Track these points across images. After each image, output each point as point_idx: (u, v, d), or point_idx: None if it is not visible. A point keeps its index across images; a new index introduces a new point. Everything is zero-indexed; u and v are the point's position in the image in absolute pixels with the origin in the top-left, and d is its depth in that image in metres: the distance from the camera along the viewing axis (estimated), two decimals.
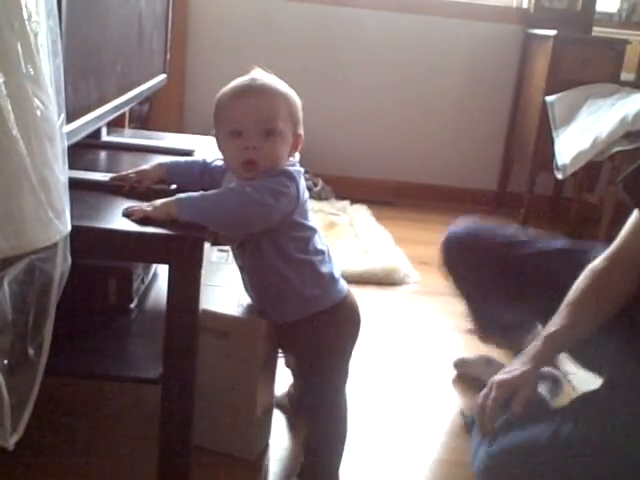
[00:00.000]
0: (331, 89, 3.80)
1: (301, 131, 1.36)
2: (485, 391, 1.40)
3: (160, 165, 1.47)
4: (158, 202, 1.27)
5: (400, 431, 1.74)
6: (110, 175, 1.45)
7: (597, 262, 1.50)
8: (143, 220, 1.24)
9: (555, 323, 1.46)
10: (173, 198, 1.27)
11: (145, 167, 1.46)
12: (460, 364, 2.06)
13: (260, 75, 1.35)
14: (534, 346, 1.44)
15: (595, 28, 3.76)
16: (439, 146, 3.85)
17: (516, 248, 1.79)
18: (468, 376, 2.01)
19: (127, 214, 1.26)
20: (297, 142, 1.36)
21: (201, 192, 1.28)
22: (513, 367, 1.42)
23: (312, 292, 1.37)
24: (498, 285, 1.78)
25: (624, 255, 1.48)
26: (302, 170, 1.35)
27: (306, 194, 1.36)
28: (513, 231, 1.88)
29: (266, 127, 1.29)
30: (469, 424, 1.59)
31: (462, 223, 1.93)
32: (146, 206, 1.26)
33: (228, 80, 1.37)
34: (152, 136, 2.08)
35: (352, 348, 1.45)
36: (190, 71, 3.73)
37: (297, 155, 1.39)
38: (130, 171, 1.44)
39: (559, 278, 1.56)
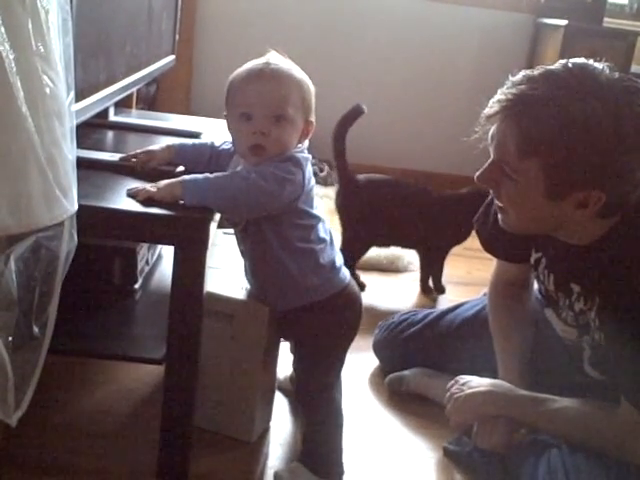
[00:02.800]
0: (339, 74, 3.79)
1: (312, 118, 1.35)
2: (488, 431, 1.49)
3: (169, 147, 1.46)
4: (162, 183, 1.26)
5: (397, 423, 1.75)
6: (117, 155, 1.45)
7: (490, 292, 1.69)
8: (147, 201, 1.24)
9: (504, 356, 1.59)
10: (178, 179, 1.26)
11: (154, 148, 1.46)
12: (395, 382, 1.84)
13: (275, 59, 1.33)
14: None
15: (606, 19, 3.73)
16: (446, 134, 3.82)
17: (431, 328, 1.85)
18: (408, 393, 1.82)
19: (131, 194, 1.26)
20: (308, 129, 1.34)
21: (206, 175, 1.27)
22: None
23: (312, 281, 1.36)
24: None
25: (501, 282, 1.67)
26: (310, 157, 1.34)
27: (312, 181, 1.35)
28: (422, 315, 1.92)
29: (276, 113, 1.28)
30: (458, 453, 1.60)
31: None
32: (150, 187, 1.26)
33: (236, 62, 1.36)
34: (159, 117, 2.08)
35: (351, 338, 1.44)
36: (198, 53, 3.72)
37: (306, 142, 1.38)
38: (139, 151, 1.44)
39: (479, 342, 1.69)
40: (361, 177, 2.42)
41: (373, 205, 2.38)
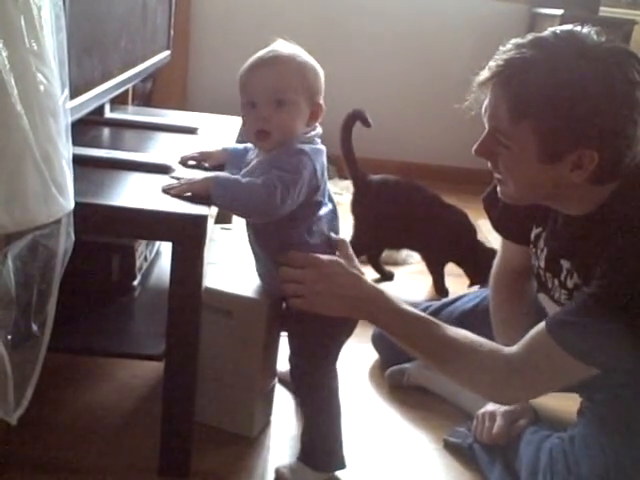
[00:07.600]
0: (336, 67, 3.76)
1: (321, 100, 1.36)
2: (488, 424, 1.52)
3: (224, 150, 1.52)
4: (199, 177, 1.32)
5: (396, 415, 1.75)
6: (113, 151, 1.45)
7: (494, 282, 1.65)
8: (182, 194, 1.28)
9: None
10: (213, 175, 1.31)
11: (209, 149, 1.53)
12: (396, 375, 1.86)
13: (280, 46, 1.35)
14: None
15: (602, 8, 3.72)
16: (442, 126, 3.82)
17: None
18: (409, 385, 1.83)
19: (166, 190, 1.30)
20: (316, 112, 1.35)
21: (236, 177, 1.30)
22: None
23: None
24: None
25: (506, 270, 1.64)
26: (324, 149, 1.35)
27: (325, 175, 1.36)
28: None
29: (277, 97, 1.30)
30: (459, 445, 1.60)
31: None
32: (185, 182, 1.31)
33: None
34: (155, 113, 2.07)
35: (350, 329, 1.44)
36: (194, 48, 3.70)
37: (319, 127, 1.37)
38: (195, 151, 1.52)
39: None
40: (374, 178, 2.41)
41: (384, 207, 2.36)
